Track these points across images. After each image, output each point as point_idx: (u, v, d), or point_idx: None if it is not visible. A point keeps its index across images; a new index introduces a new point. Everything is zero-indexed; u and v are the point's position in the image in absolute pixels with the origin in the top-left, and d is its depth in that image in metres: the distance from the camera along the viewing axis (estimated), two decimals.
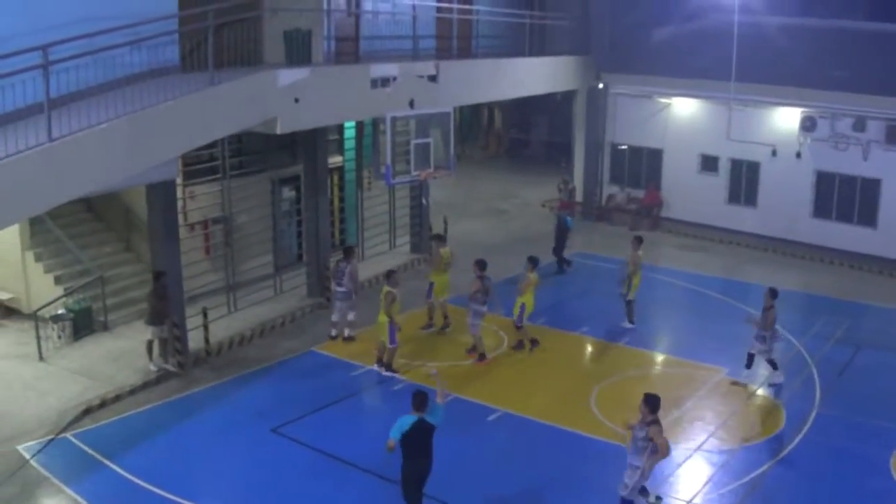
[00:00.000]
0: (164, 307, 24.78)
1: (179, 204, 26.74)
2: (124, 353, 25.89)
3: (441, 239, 28.96)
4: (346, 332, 27.25)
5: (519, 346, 27.06)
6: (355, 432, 22.04)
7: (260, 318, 28.89)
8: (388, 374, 25.06)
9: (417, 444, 17.35)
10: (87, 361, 25.36)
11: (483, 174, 53.76)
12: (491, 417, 22.85)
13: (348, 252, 27.68)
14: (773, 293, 24.52)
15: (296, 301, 30.59)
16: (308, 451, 21.02)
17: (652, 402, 17.32)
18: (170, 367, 24.99)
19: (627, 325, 28.93)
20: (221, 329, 27.66)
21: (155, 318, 24.85)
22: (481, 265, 26.10)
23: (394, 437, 17.14)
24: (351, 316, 27.28)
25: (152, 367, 24.91)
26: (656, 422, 17.29)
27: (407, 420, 17.30)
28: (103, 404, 22.98)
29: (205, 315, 26.32)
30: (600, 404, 23.52)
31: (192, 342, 26.08)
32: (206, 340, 26.38)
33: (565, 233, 34.04)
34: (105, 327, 27.46)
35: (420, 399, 17.42)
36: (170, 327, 25.07)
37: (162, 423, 22.39)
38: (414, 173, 29.67)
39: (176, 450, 21.15)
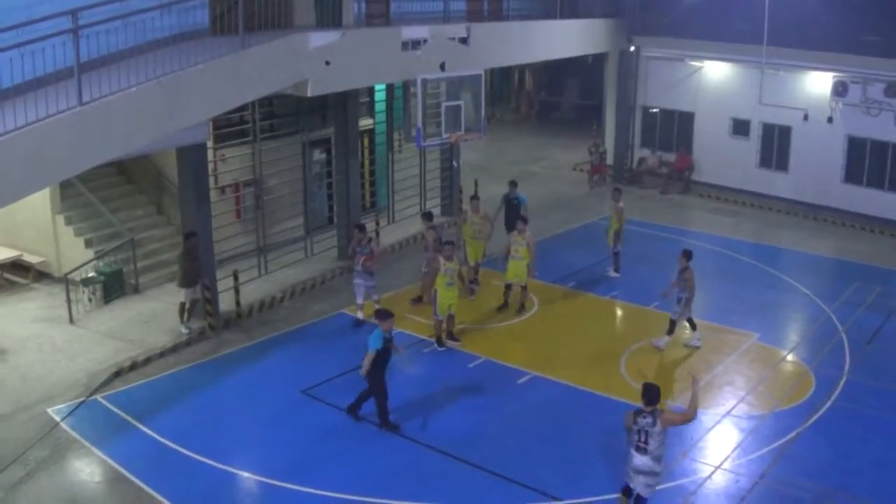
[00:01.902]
0: (195, 269, 24.83)
1: (210, 167, 26.76)
2: (155, 315, 26.01)
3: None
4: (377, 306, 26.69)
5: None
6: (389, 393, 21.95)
7: (290, 281, 28.97)
8: (451, 343, 24.91)
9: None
10: (117, 324, 25.48)
11: (513, 137, 53.68)
12: (521, 380, 22.78)
13: (362, 228, 26.42)
14: (687, 254, 24.30)
15: (326, 263, 30.62)
16: (338, 413, 21.01)
17: (648, 394, 16.73)
18: (183, 330, 25.00)
19: (612, 273, 30.06)
20: (252, 291, 27.75)
21: (186, 280, 24.89)
22: (428, 217, 27.23)
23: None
24: (376, 297, 26.21)
25: (183, 330, 24.97)
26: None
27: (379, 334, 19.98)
28: (134, 366, 23.08)
29: (235, 278, 26.34)
30: (630, 368, 23.47)
31: (223, 304, 26.20)
32: (237, 303, 26.42)
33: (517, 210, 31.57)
34: (135, 290, 27.59)
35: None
36: (201, 289, 25.14)
37: (192, 385, 22.47)
38: (444, 136, 29.56)
39: (206, 411, 21.23)
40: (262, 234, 29.58)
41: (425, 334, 25.14)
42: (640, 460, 16.21)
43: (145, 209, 30.17)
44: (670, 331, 24.58)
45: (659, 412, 16.14)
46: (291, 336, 25.55)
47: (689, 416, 16.37)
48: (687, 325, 24.95)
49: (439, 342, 24.68)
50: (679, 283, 24.25)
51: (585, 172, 43.59)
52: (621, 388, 22.30)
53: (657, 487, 16.59)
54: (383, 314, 20.20)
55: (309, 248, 31.04)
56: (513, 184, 30.67)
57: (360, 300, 25.94)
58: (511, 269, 26.75)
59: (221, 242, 27.53)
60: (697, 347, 24.58)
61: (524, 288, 27.04)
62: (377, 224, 32.12)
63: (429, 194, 36.60)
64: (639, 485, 16.37)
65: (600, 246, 30.87)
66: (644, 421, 16.09)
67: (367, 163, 34.57)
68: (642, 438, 16.11)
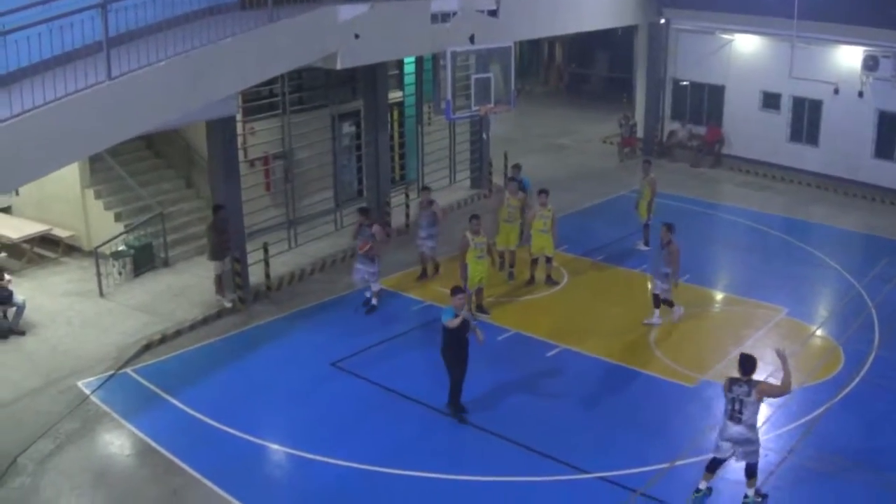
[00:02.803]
0: (224, 241, 24.89)
1: (239, 140, 26.79)
2: (185, 288, 26.13)
3: (515, 181, 28.10)
4: (373, 301, 25.89)
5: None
6: (415, 366, 22.11)
7: (320, 254, 29.02)
8: (481, 316, 24.66)
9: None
10: (147, 297, 25.61)
11: (543, 109, 53.49)
12: (550, 353, 22.78)
13: (366, 212, 25.78)
14: (670, 227, 24.04)
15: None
16: (368, 385, 21.11)
17: (745, 364, 16.68)
18: (227, 304, 25.12)
19: (642, 247, 29.84)
20: (282, 264, 27.79)
21: (215, 253, 24.96)
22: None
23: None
24: (377, 287, 25.56)
25: (226, 303, 25.12)
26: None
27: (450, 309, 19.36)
28: (163, 340, 23.20)
29: (265, 250, 26.40)
30: (659, 342, 23.42)
31: (253, 277, 26.25)
32: (267, 275, 26.48)
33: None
34: (165, 263, 27.71)
35: None
36: (231, 262, 25.24)
37: (222, 358, 22.57)
38: (474, 108, 29.48)
39: (236, 384, 21.33)
40: (292, 206, 29.65)
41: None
42: (735, 429, 16.34)
43: (174, 183, 30.22)
44: (656, 305, 24.46)
45: (754, 382, 16.22)
46: (321, 309, 25.60)
47: (785, 388, 16.34)
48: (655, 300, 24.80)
49: (479, 309, 24.71)
50: (663, 256, 24.12)
51: (615, 145, 43.40)
52: (651, 362, 22.30)
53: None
54: (455, 290, 19.62)
55: (339, 220, 31.06)
56: (516, 167, 30.16)
57: (374, 288, 25.37)
58: (536, 243, 26.69)
59: (251, 215, 27.57)
60: (656, 325, 24.40)
61: (549, 260, 27.04)
62: (407, 197, 32.09)
63: (458, 167, 36.63)
64: (739, 454, 16.56)
65: (630, 219, 30.77)
66: (739, 390, 16.21)
67: (396, 135, 34.51)
68: (737, 407, 16.25)
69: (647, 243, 29.85)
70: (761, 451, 16.87)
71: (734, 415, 16.31)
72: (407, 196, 32.30)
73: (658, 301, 24.39)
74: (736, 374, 16.49)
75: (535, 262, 27.05)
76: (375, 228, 25.05)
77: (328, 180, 31.75)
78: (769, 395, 16.54)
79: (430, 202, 27.19)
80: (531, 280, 27.18)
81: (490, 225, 26.88)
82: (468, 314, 19.41)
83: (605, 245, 30.11)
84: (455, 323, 19.01)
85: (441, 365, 19.67)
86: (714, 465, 16.96)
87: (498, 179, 33.77)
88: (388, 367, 22.04)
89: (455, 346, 19.46)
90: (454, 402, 19.80)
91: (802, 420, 19.66)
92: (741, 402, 16.19)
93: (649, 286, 25.46)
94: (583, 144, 45.38)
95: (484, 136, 35.29)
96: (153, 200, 28.48)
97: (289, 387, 21.25)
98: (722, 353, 22.59)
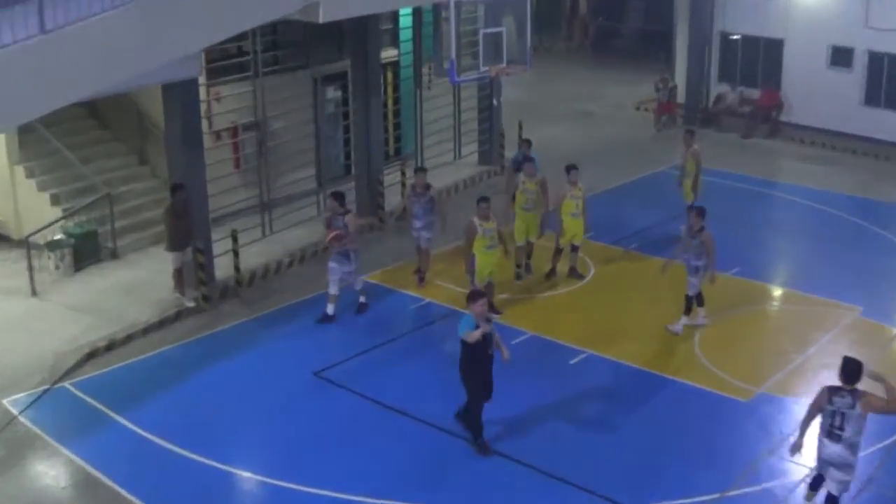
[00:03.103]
0: (185, 228, 24.76)
1: (203, 107, 26.85)
2: (137, 285, 25.99)
3: (528, 160, 27.56)
4: (361, 299, 25.63)
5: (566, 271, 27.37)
6: (416, 377, 22.06)
7: (300, 243, 28.96)
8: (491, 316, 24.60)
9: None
10: (90, 296, 25.43)
11: (566, 70, 53.54)
12: (573, 360, 22.65)
13: (340, 198, 24.78)
14: (701, 212, 23.64)
15: None
16: (359, 400, 21.00)
17: (848, 370, 16.28)
18: (187, 303, 25.02)
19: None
20: (254, 255, 27.69)
21: (174, 242, 24.80)
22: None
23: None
24: (358, 285, 25.17)
25: (187, 303, 25.06)
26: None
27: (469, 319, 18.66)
28: (111, 347, 23.01)
29: (234, 239, 26.23)
30: (706, 347, 23.19)
31: (220, 271, 26.21)
32: (236, 269, 26.36)
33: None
34: (113, 255, 27.55)
35: None
36: (194, 253, 25.11)
37: (181, 369, 22.42)
38: (483, 69, 29.27)
39: (198, 399, 21.15)
40: (266, 187, 29.54)
41: (458, 305, 24.89)
42: (832, 449, 15.99)
43: (124, 158, 30.15)
44: (687, 310, 24.12)
45: (860, 392, 15.79)
46: (302, 308, 25.47)
47: (894, 404, 15.86)
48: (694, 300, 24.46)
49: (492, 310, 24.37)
50: (694, 247, 23.68)
51: (651, 112, 43.36)
52: (696, 371, 22.11)
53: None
54: (474, 295, 18.89)
55: (322, 203, 30.88)
56: (526, 142, 29.90)
57: (332, 289, 24.67)
58: (570, 228, 26.48)
59: (217, 197, 27.48)
60: (678, 333, 24.04)
61: (576, 248, 26.92)
62: (403, 174, 31.99)
63: (464, 139, 36.58)
64: (829, 480, 16.20)
65: (669, 200, 30.56)
66: (841, 401, 15.82)
67: (390, 102, 34.58)
68: (837, 422, 15.85)
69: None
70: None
71: (833, 431, 15.88)
72: (403, 174, 32.20)
73: (690, 302, 24.03)
74: (835, 382, 16.06)
75: (560, 252, 26.83)
76: (349, 218, 24.35)
77: (309, 155, 31.74)
78: (875, 411, 16.02)
79: (427, 186, 26.84)
80: (552, 273, 27.02)
81: (503, 210, 26.83)
82: (490, 325, 18.88)
83: (640, 231, 29.88)
84: (475, 336, 18.46)
85: (449, 377, 19.40)
86: (818, 482, 16.58)
87: (511, 153, 33.45)
88: (383, 377, 21.94)
89: (476, 364, 18.90)
90: (474, 431, 19.35)
91: (883, 443, 19.35)
92: (843, 415, 15.73)
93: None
94: (612, 111, 45.49)
95: (494, 102, 35.14)
96: (98, 179, 28.25)
97: (263, 402, 21.08)
98: (782, 362, 22.43)
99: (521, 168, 27.15)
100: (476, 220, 23.76)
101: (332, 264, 24.63)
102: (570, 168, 26.50)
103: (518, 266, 27.03)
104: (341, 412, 20.62)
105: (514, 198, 27.06)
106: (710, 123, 42.14)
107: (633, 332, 24.10)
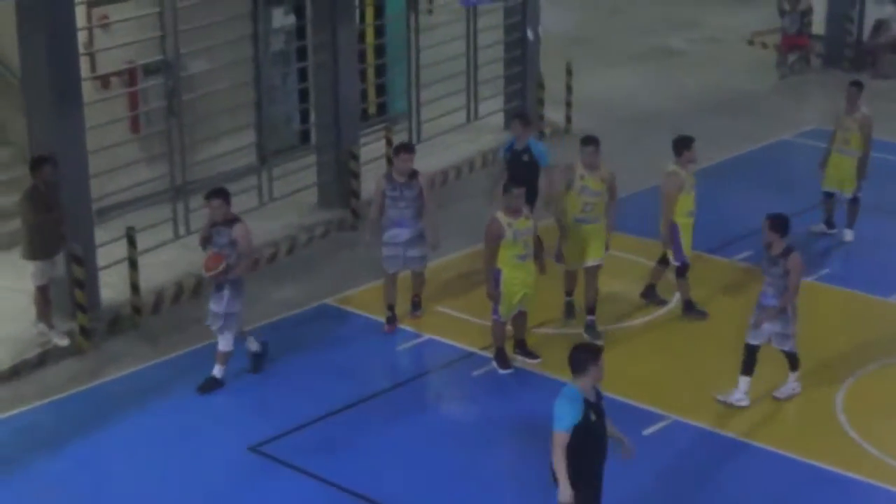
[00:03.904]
0: (51, 224, 24.66)
1: (82, 38, 26.80)
2: None
3: (588, 146, 26.29)
4: (253, 348, 24.85)
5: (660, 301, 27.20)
6: (397, 454, 21.97)
7: None
8: (520, 358, 24.62)
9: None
10: None
11: None
12: (648, 430, 22.53)
13: (221, 195, 23.78)
14: (780, 223, 22.66)
15: (296, 216, 31.12)
16: (317, 486, 20.92)
17: None
18: (57, 340, 25.02)
19: (848, 236, 29.86)
20: (162, 267, 27.92)
21: (37, 247, 24.71)
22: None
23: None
24: (221, 344, 24.08)
25: (57, 340, 25.02)
26: None
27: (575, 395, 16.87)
28: None
29: (131, 242, 26.24)
30: (853, 412, 23.04)
31: (108, 290, 26.19)
32: (134, 287, 26.35)
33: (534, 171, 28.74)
34: None
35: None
36: (66, 264, 25.05)
37: (47, 441, 22.29)
38: None
39: (74, 489, 20.96)
40: (181, 161, 29.62)
41: (476, 344, 25.06)
42: None
43: None
44: (793, 367, 23.58)
45: None
46: (236, 344, 24.92)
47: None
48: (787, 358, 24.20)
49: (501, 358, 24.45)
50: (774, 278, 22.97)
51: (773, 49, 43.41)
52: (845, 453, 21.83)
53: None
54: (582, 356, 17.01)
55: (266, 187, 31.36)
56: (523, 121, 28.37)
57: (223, 345, 23.97)
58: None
59: (105, 178, 27.61)
60: (737, 404, 23.87)
61: (664, 262, 26.77)
62: (388, 145, 32.12)
63: (482, 91, 36.75)
64: None
65: (800, 184, 30.67)
66: None
67: (370, 33, 34.98)
68: None
69: (849, 225, 29.84)
70: None
71: None
72: (388, 143, 32.38)
73: (795, 360, 23.82)
74: None
75: (664, 263, 26.94)
76: (238, 231, 23.33)
77: (246, 114, 31.84)
78: None
79: (413, 173, 25.99)
80: (650, 293, 27.19)
81: (556, 205, 26.24)
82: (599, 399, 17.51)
83: (754, 232, 29.76)
84: (563, 440, 16.82)
85: (452, 440, 19.40)
86: None
87: (556, 115, 33.39)
88: (351, 454, 21.91)
89: (582, 461, 17.37)
90: None
91: None
92: None
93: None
94: (711, 48, 46.07)
95: (529, 34, 35.44)
96: None
97: (172, 492, 20.94)
98: None
99: (589, 155, 26.08)
100: (502, 217, 23.50)
101: (212, 305, 23.78)
102: (588, 141, 25.69)
103: (568, 294, 26.66)
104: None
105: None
106: (862, 66, 42.31)
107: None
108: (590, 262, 25.85)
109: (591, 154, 25.37)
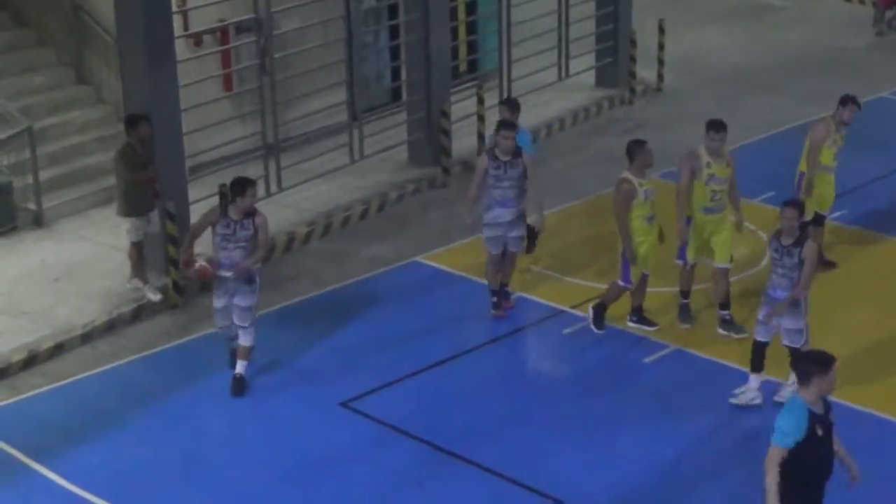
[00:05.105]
0: (148, 182, 24.76)
1: None
2: (73, 266, 26.21)
3: (714, 131, 25.35)
4: (238, 369, 22.98)
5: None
6: (486, 408, 21.82)
7: (326, 203, 29.34)
8: (635, 325, 24.34)
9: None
10: (1, 284, 25.55)
11: None
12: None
13: (242, 187, 22.27)
14: (797, 208, 21.76)
15: (388, 172, 31.07)
16: (416, 446, 20.72)
17: None
18: (151, 296, 25.07)
19: None
20: None
21: (132, 204, 24.72)
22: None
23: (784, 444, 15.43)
24: (246, 340, 22.80)
25: (151, 296, 25.11)
26: None
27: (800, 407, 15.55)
28: (31, 362, 23.02)
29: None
30: None
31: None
32: None
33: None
34: (36, 221, 27.82)
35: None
36: (160, 220, 25.11)
37: (137, 393, 22.29)
38: None
39: (164, 441, 20.92)
40: (273, 120, 29.55)
41: (566, 302, 24.78)
42: None
43: (54, 73, 30.48)
44: (755, 367, 22.86)
45: None
46: (325, 302, 25.65)
47: None
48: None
49: (597, 317, 24.02)
50: (786, 269, 22.08)
51: (870, 5, 42.99)
52: None
53: None
54: (807, 367, 15.68)
55: (357, 144, 31.20)
56: (510, 106, 26.91)
57: (247, 340, 22.58)
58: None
59: (198, 135, 27.71)
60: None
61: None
62: (480, 103, 32.17)
63: (573, 49, 36.59)
64: None
65: None
66: None
67: None
68: None
69: None
70: None
71: None
72: (480, 101, 32.34)
73: (797, 356, 22.92)
74: None
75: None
76: (260, 220, 22.26)
77: (338, 72, 31.79)
78: None
79: (517, 152, 24.60)
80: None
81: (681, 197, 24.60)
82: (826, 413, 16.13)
83: (849, 191, 29.32)
84: (779, 456, 15.50)
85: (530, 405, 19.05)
86: None
87: (648, 73, 32.98)
88: (445, 408, 21.83)
89: (802, 482, 15.94)
90: None
91: None
92: None
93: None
94: (806, 4, 45.79)
95: None
96: (13, 106, 28.37)
97: (260, 445, 20.93)
98: None
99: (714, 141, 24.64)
100: (631, 176, 23.24)
101: (217, 302, 22.64)
102: (719, 127, 24.13)
103: (684, 296, 25.21)
104: (389, 462, 20.32)
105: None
106: None
107: (857, 363, 22.88)
108: (719, 265, 24.79)
109: (719, 140, 24.13)
